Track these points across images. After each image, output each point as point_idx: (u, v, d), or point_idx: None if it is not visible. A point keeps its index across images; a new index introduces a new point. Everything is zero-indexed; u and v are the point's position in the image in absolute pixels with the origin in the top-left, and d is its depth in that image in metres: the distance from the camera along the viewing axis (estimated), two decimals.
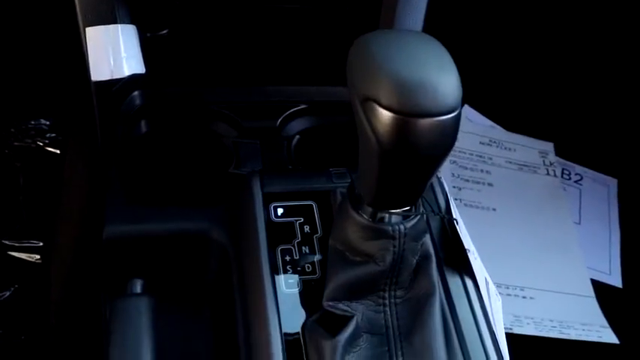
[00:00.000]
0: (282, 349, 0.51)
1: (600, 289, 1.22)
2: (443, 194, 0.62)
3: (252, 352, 0.52)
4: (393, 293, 0.52)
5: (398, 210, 0.50)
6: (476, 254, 0.65)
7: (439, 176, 0.63)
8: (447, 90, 0.43)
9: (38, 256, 0.95)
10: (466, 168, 1.31)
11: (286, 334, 0.52)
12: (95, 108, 0.71)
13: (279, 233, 0.57)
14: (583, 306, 1.19)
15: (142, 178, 0.70)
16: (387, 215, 0.50)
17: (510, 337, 1.07)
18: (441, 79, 0.43)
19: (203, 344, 0.60)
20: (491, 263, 0.73)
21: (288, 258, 0.56)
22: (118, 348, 0.54)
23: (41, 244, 0.95)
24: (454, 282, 0.57)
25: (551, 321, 1.13)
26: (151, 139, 0.74)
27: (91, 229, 0.83)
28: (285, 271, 0.55)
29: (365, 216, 0.50)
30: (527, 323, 1.11)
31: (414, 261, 0.52)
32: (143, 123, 0.74)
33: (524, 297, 1.16)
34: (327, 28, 0.77)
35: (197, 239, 0.61)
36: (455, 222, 0.60)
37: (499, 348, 0.55)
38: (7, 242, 0.95)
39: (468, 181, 1.29)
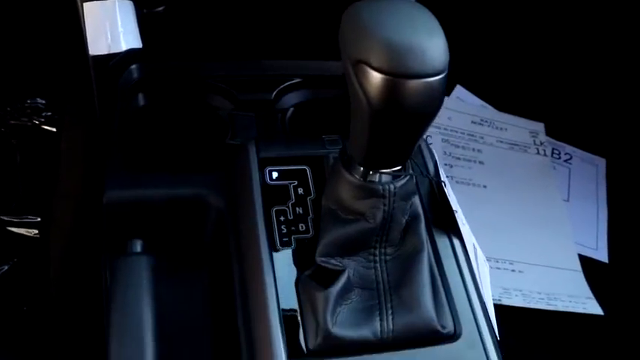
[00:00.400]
0: (277, 303, 0.53)
1: (587, 263, 1.24)
2: (431, 158, 0.65)
3: (248, 305, 0.54)
4: (383, 250, 0.55)
5: (388, 170, 0.52)
6: (464, 220, 0.67)
7: (428, 141, 0.65)
8: (434, 53, 0.45)
9: (36, 231, 0.97)
10: (458, 146, 1.33)
11: (281, 289, 0.54)
12: (93, 82, 0.73)
13: (273, 195, 0.59)
14: (570, 279, 1.22)
15: (140, 149, 0.72)
16: (377, 175, 0.52)
17: (499, 307, 1.10)
18: (429, 43, 0.45)
19: (201, 305, 0.62)
20: (482, 238, 0.75)
21: (282, 218, 0.58)
22: (119, 311, 0.56)
23: (39, 219, 0.97)
24: (442, 242, 0.59)
25: (539, 293, 1.16)
26: (148, 112, 0.76)
27: (89, 203, 0.85)
28: (280, 231, 0.57)
29: (356, 176, 0.53)
30: (516, 295, 1.14)
31: (404, 220, 0.55)
32: (140, 96, 0.75)
33: (513, 270, 1.19)
34: (321, 1, 0.78)
35: (195, 204, 0.63)
36: (443, 184, 0.62)
37: (485, 304, 0.57)
38: (5, 218, 0.97)
39: (459, 159, 1.31)
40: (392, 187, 0.52)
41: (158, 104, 0.76)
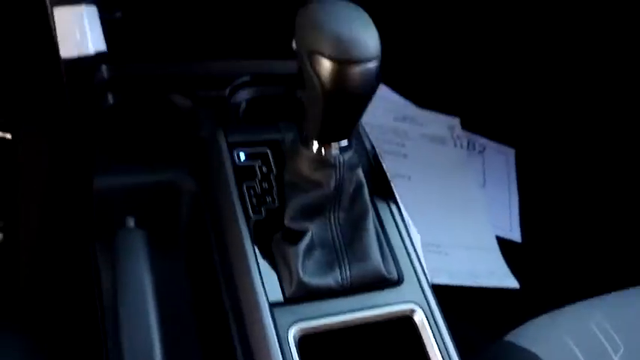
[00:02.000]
0: (257, 263, 0.63)
1: (503, 243, 1.39)
2: (367, 138, 0.76)
3: (230, 266, 0.63)
4: (336, 215, 0.65)
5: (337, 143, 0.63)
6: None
7: (363, 126, 0.77)
8: (370, 43, 0.58)
9: (1, 235, 1.00)
10: (383, 141, 1.46)
11: (259, 250, 0.64)
12: (64, 84, 0.80)
13: (243, 173, 0.69)
14: (489, 258, 1.36)
15: (114, 143, 0.79)
16: (330, 149, 0.63)
17: None
18: (366, 35, 0.58)
19: (182, 285, 0.71)
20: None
21: (252, 192, 0.68)
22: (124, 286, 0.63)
23: (2, 224, 1.01)
24: (382, 207, 0.71)
25: (463, 272, 1.30)
26: (117, 109, 0.83)
27: (54, 207, 0.91)
28: (252, 202, 0.67)
29: (313, 150, 0.63)
30: (443, 274, 1.27)
31: (351, 189, 0.66)
32: (109, 96, 0.82)
33: (439, 252, 1.32)
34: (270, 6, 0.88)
35: (168, 190, 0.72)
36: (379, 156, 0.74)
37: (419, 256, 0.69)
38: None
39: (384, 152, 1.43)
40: (341, 158, 0.63)
41: (125, 102, 0.83)
